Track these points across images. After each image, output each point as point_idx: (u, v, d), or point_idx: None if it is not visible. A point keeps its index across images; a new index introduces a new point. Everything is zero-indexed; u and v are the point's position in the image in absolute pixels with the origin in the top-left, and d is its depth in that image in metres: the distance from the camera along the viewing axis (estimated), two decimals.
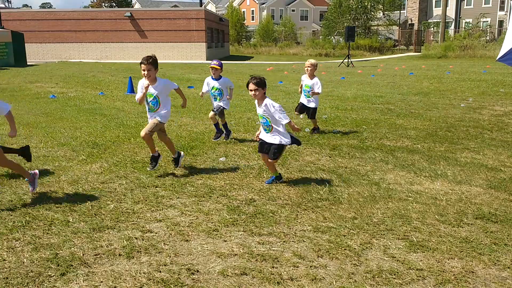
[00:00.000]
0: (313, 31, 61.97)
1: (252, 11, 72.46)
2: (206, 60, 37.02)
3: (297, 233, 4.00)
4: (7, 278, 3.23)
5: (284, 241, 3.84)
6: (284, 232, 4.01)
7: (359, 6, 48.33)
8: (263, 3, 70.33)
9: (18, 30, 31.60)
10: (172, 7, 59.17)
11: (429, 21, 55.30)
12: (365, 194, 4.97)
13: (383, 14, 52.03)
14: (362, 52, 42.34)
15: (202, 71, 24.04)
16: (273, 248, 3.71)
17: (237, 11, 59.78)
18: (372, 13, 49.68)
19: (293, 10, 70.54)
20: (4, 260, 3.49)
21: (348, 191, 5.09)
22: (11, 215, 4.35)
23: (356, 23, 47.72)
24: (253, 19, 70.84)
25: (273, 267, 3.41)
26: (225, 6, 68.92)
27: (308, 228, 4.11)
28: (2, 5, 62.91)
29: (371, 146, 7.14)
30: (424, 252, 3.65)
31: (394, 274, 3.31)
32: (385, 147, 7.10)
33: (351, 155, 6.64)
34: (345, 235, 3.95)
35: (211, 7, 76.59)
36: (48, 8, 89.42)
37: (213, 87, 7.14)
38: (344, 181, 5.42)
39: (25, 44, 30.86)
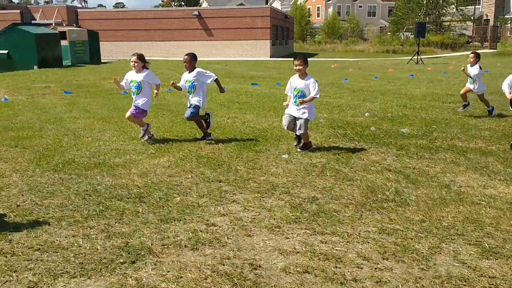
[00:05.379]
0: (380, 27, 60.34)
1: (318, 7, 71.73)
2: (270, 57, 37.17)
3: (361, 234, 3.92)
4: (82, 263, 3.43)
5: (347, 241, 3.78)
6: (347, 232, 3.95)
7: (430, 1, 46.46)
8: (329, 0, 69.43)
9: (94, 29, 33.34)
10: (238, 5, 59.92)
11: (506, 16, 51.96)
12: (435, 197, 4.78)
13: (456, 9, 49.64)
14: (433, 48, 40.66)
15: (266, 68, 24.15)
16: (336, 248, 3.66)
17: (302, 8, 59.35)
18: (445, 8, 47.58)
19: (360, 6, 69.01)
20: (80, 246, 3.71)
21: (416, 192, 4.91)
22: (86, 204, 4.61)
23: (427, 18, 45.91)
24: (318, 16, 70.14)
25: (336, 267, 3.37)
26: (290, 3, 68.70)
27: (373, 229, 4.02)
28: (79, 5, 66.60)
29: (441, 147, 6.85)
30: (497, 259, 3.45)
31: (465, 281, 3.16)
32: (456, 148, 6.79)
33: (420, 155, 6.41)
34: (412, 238, 3.82)
35: (276, 4, 76.65)
36: (121, 7, 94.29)
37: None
38: (412, 182, 5.24)
39: (100, 42, 32.50)
